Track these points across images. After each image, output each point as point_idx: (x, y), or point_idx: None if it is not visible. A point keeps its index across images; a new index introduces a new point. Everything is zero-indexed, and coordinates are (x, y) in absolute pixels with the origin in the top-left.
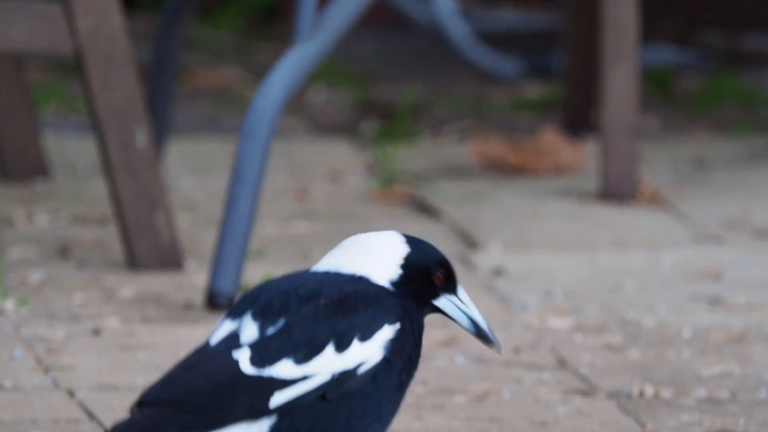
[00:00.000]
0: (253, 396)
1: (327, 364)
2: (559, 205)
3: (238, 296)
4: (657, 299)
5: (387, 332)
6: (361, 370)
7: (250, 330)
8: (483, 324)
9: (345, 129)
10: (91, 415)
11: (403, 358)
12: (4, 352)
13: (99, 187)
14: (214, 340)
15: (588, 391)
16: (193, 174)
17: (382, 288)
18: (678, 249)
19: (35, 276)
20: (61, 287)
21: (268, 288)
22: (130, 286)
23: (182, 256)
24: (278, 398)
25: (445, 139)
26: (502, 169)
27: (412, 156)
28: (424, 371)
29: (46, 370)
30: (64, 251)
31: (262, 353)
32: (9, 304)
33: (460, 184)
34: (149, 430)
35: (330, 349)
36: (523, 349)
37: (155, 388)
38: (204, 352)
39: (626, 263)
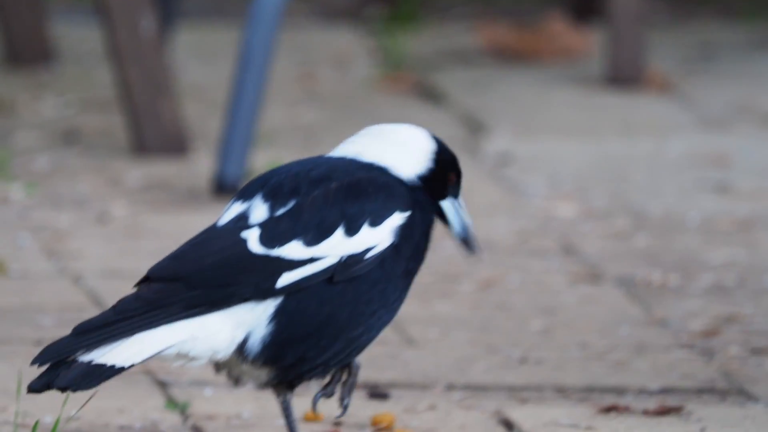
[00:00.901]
0: (260, 275)
1: (335, 246)
2: (566, 91)
3: (244, 182)
4: (664, 186)
5: (397, 219)
6: (369, 254)
7: (259, 211)
8: (472, 231)
9: (351, 14)
10: (97, 301)
11: (412, 246)
12: (10, 239)
13: (105, 73)
14: (223, 220)
15: (595, 277)
16: (199, 60)
17: (395, 178)
18: (684, 135)
19: (41, 162)
20: (66, 173)
21: (279, 171)
22: (136, 172)
23: (188, 142)
24: (285, 278)
25: (451, 25)
26: (508, 56)
27: (418, 42)
28: (431, 259)
29: (53, 257)
30: (70, 137)
31: (271, 233)
32: (15, 191)
33: (466, 70)
34: (156, 304)
35: (339, 232)
36: (530, 235)
37: (163, 264)
38: (212, 231)
39: (633, 150)
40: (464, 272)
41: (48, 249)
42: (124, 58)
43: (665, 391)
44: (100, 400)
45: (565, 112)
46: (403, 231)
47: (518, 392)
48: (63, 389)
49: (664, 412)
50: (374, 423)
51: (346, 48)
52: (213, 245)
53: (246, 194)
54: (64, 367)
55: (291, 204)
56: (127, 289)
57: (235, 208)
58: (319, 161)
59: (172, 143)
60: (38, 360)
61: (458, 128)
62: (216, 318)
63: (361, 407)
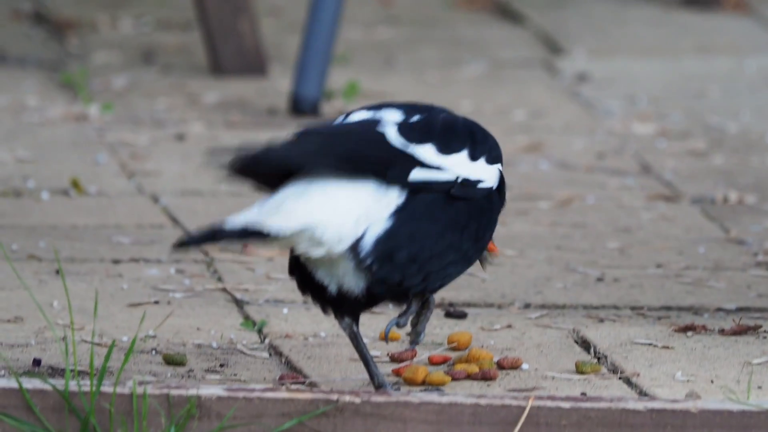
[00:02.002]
0: (396, 163)
1: (459, 164)
2: (644, 10)
3: (321, 101)
4: (741, 105)
5: (500, 167)
6: (480, 185)
7: (393, 115)
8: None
9: None
10: (174, 220)
11: (503, 196)
12: (89, 158)
13: None
14: (349, 120)
15: (672, 196)
16: None
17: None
18: (762, 54)
19: (119, 81)
20: (145, 92)
21: (391, 102)
22: (214, 91)
23: (266, 61)
24: (416, 174)
25: None
26: None
27: None
28: (509, 177)
29: (130, 176)
30: (148, 56)
31: (409, 132)
32: (93, 110)
33: None
34: (317, 148)
35: (465, 153)
36: (607, 154)
37: (309, 128)
38: (344, 124)
39: (710, 69)
40: (541, 191)
41: (126, 168)
42: None
43: (742, 310)
44: (177, 318)
45: (642, 31)
46: (500, 182)
47: (595, 311)
48: (227, 241)
49: (740, 331)
50: (451, 341)
51: None
52: (353, 130)
53: (370, 109)
54: (218, 230)
55: (425, 114)
56: (205, 208)
57: (361, 115)
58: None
59: (250, 62)
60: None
61: (536, 47)
62: (349, 200)
63: (438, 326)
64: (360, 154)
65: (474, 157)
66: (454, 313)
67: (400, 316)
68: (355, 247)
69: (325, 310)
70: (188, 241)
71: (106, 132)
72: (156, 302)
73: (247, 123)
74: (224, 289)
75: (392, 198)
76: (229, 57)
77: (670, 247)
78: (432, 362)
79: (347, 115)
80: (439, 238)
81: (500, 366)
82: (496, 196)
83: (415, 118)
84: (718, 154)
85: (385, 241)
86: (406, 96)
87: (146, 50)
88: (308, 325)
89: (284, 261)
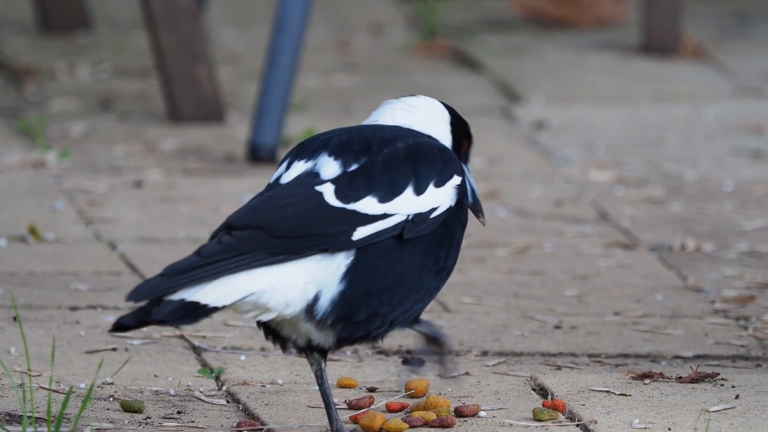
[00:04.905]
0: (338, 227)
1: (406, 204)
2: (601, 58)
3: (279, 148)
4: (699, 153)
5: (455, 182)
6: (434, 214)
7: (330, 167)
8: (478, 196)
9: None
10: (132, 267)
11: (464, 210)
12: (46, 205)
13: (141, 40)
14: (287, 177)
15: (629, 244)
16: (235, 27)
17: (443, 144)
18: (720, 102)
19: (77, 128)
20: (102, 139)
21: (336, 133)
22: (172, 138)
23: (224, 109)
24: (360, 232)
25: None
26: (544, 22)
27: (453, 9)
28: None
29: (88, 222)
30: (105, 103)
31: (347, 188)
32: (51, 157)
33: (501, 37)
34: (241, 249)
35: (409, 190)
36: (564, 202)
37: (243, 213)
38: (282, 186)
39: (668, 117)
40: (499, 238)
41: (83, 215)
42: (160, 25)
43: (699, 357)
44: (134, 365)
45: (601, 79)
46: (459, 194)
47: (552, 358)
48: (160, 323)
49: (698, 379)
50: (408, 388)
51: (381, 15)
52: (289, 198)
53: (306, 154)
54: (154, 304)
55: (364, 160)
56: (163, 255)
57: (299, 167)
58: (374, 126)
59: (208, 110)
60: (132, 297)
61: (493, 95)
62: (293, 269)
63: (396, 374)
64: (299, 235)
65: (420, 190)
66: (412, 360)
67: (407, 361)
68: (310, 309)
69: (296, 352)
70: (124, 323)
71: (64, 179)
72: (113, 349)
73: (204, 170)
74: (182, 336)
75: (340, 260)
76: (186, 104)
77: (628, 295)
78: (389, 409)
79: (288, 163)
80: (397, 288)
81: (458, 413)
82: (455, 213)
83: (353, 167)
84: (676, 202)
85: (342, 304)
86: None
87: (104, 97)
88: (266, 373)
89: None
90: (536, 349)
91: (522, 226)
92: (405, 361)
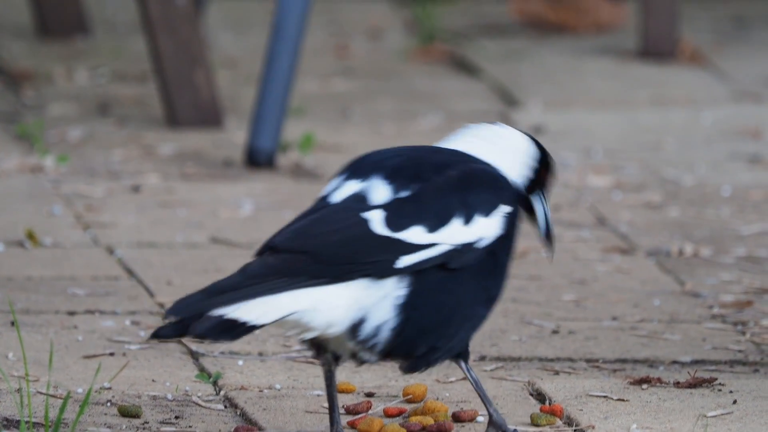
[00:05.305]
0: (382, 255)
1: (453, 234)
2: (599, 63)
3: (276, 153)
4: (696, 157)
5: (504, 211)
6: (481, 244)
7: (381, 192)
8: (552, 230)
9: None
10: (130, 272)
11: (512, 239)
12: (44, 209)
13: (138, 44)
14: (337, 198)
15: (627, 249)
16: (233, 31)
17: (501, 173)
18: (718, 107)
19: (75, 133)
20: (100, 144)
21: (391, 155)
22: (170, 143)
23: (222, 113)
24: (405, 261)
25: None
26: (541, 27)
27: (451, 13)
28: None
29: (86, 227)
30: (103, 108)
31: (395, 217)
32: (49, 161)
33: (499, 41)
34: (284, 271)
35: (458, 220)
36: (562, 207)
37: (288, 236)
38: (330, 208)
39: (666, 121)
40: None
41: (81, 219)
42: (158, 29)
43: (697, 363)
44: (132, 370)
45: (598, 83)
46: (508, 224)
47: (550, 363)
48: (200, 337)
49: (696, 384)
50: (406, 393)
51: (379, 20)
52: (335, 222)
53: (359, 174)
54: (195, 318)
55: (415, 188)
56: (161, 259)
57: (350, 187)
58: (430, 149)
59: (206, 114)
60: (171, 312)
61: (491, 100)
62: (336, 292)
63: (393, 378)
64: (342, 262)
65: (469, 220)
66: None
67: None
68: (354, 331)
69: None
70: (162, 334)
71: (62, 184)
72: (111, 354)
73: (202, 175)
74: (179, 341)
75: (389, 288)
76: (184, 109)
77: (626, 300)
78: (387, 414)
79: (340, 181)
80: (452, 319)
81: (456, 418)
82: (502, 242)
83: (404, 194)
84: (674, 207)
85: (399, 340)
86: (362, 148)
87: (102, 102)
88: (263, 377)
89: None
90: (534, 354)
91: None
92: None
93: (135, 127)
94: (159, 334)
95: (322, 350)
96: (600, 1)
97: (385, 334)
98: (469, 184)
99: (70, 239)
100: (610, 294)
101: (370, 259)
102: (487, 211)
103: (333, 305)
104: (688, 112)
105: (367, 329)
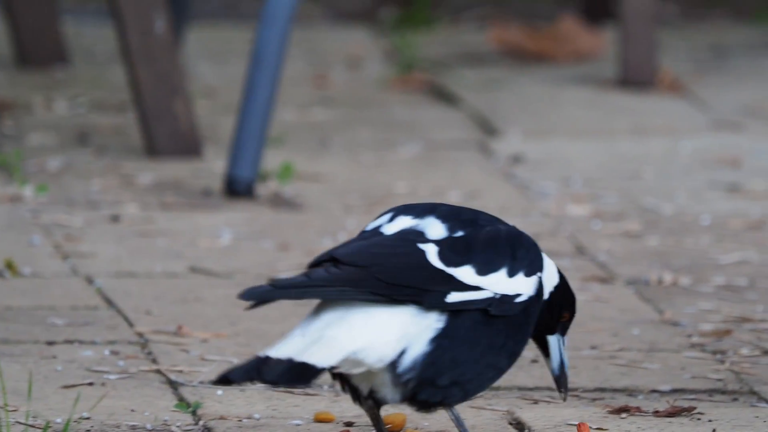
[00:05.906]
0: (436, 286)
1: (497, 283)
2: (578, 92)
3: (255, 183)
4: (675, 186)
5: (539, 275)
6: (517, 300)
7: (436, 229)
8: (567, 373)
9: (364, 15)
10: (109, 302)
11: (538, 305)
12: (23, 239)
13: (118, 74)
14: (390, 229)
15: (606, 278)
16: (211, 60)
17: (535, 241)
18: (696, 136)
19: (54, 162)
20: (79, 174)
21: (442, 203)
22: (149, 172)
23: (201, 143)
24: (454, 297)
25: (464, 26)
26: (521, 56)
27: (430, 43)
28: None
29: (65, 257)
30: (82, 138)
31: (449, 252)
32: (28, 191)
33: (478, 70)
34: (347, 283)
35: (504, 271)
36: (541, 236)
37: (350, 251)
38: (386, 237)
39: (645, 150)
40: None
41: (60, 249)
42: (137, 59)
43: (676, 391)
44: (111, 400)
45: (577, 112)
46: (539, 288)
47: (529, 393)
48: (273, 383)
49: (675, 413)
50: (385, 423)
51: (358, 49)
52: (394, 248)
53: (413, 212)
54: (263, 363)
55: (468, 230)
56: (140, 289)
57: (404, 221)
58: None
59: (185, 144)
60: (243, 297)
61: (470, 128)
62: (389, 323)
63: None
64: (399, 284)
65: (513, 273)
66: None
67: None
68: (393, 365)
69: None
70: (232, 378)
71: (41, 213)
72: (90, 384)
73: (182, 204)
74: (158, 371)
75: (431, 320)
76: (163, 138)
77: (605, 329)
78: None
79: (391, 216)
80: (480, 359)
81: None
82: (534, 303)
83: (458, 233)
84: (653, 236)
85: (426, 366)
86: (341, 177)
87: (81, 132)
88: (243, 407)
89: (219, 343)
90: (513, 383)
91: None
92: None
93: (114, 157)
94: (228, 378)
95: (349, 387)
96: (579, 30)
97: (419, 366)
98: (516, 243)
99: (50, 269)
100: (589, 323)
101: (425, 286)
102: (528, 272)
103: (385, 340)
104: (667, 141)
105: (406, 361)
